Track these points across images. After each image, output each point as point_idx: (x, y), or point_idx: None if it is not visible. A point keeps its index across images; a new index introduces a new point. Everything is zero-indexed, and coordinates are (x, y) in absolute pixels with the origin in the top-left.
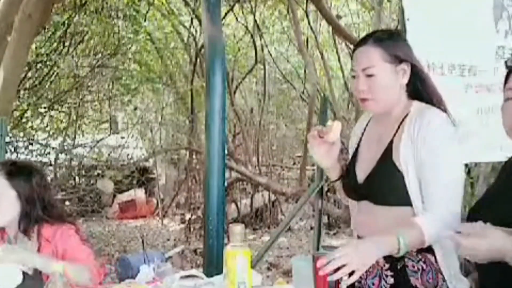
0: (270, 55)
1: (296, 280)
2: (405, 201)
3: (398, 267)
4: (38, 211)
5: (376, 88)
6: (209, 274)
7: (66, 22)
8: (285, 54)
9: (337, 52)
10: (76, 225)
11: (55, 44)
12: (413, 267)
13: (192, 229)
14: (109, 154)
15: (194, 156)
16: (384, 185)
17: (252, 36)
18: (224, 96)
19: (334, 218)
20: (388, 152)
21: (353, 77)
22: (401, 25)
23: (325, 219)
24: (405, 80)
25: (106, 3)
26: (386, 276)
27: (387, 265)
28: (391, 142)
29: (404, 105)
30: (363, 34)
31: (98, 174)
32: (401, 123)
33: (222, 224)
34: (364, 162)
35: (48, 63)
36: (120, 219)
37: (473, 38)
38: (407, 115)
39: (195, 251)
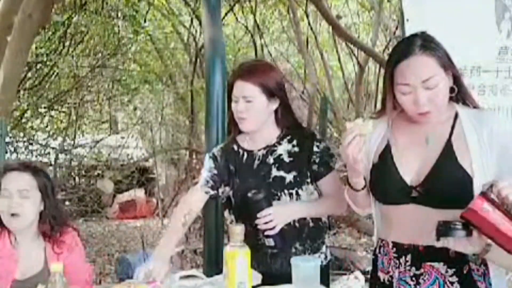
0: (270, 55)
1: (295, 280)
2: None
3: (464, 271)
4: (56, 214)
5: (439, 99)
6: (208, 274)
7: (66, 22)
8: (285, 54)
9: (337, 52)
10: (77, 229)
11: (55, 44)
12: (478, 270)
13: (192, 229)
14: (109, 154)
15: (194, 156)
16: (448, 187)
17: (252, 36)
18: (224, 96)
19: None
20: (449, 153)
21: (403, 93)
22: (400, 25)
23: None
24: (451, 83)
25: (106, 3)
26: (452, 283)
27: (450, 271)
28: (449, 143)
29: (447, 107)
30: (363, 35)
31: (98, 174)
32: (453, 124)
33: (221, 224)
34: (412, 164)
35: (48, 63)
36: (120, 219)
37: (475, 38)
38: (456, 116)
39: (195, 251)
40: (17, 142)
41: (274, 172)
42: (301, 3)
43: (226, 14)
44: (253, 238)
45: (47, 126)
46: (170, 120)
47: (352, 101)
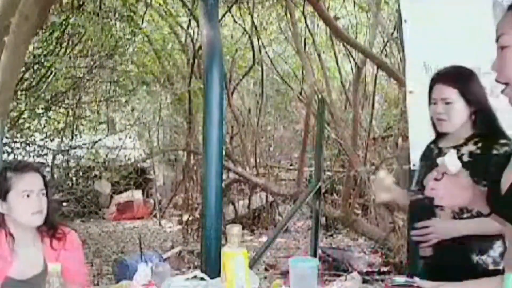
0: (268, 56)
1: (293, 281)
2: None
3: None
4: (53, 211)
5: None
6: (206, 275)
7: (63, 23)
8: (283, 55)
9: (334, 53)
10: (74, 229)
11: (52, 45)
12: None
13: (189, 230)
14: (106, 155)
15: (191, 157)
16: None
17: (249, 37)
18: (221, 97)
19: (331, 219)
20: None
21: None
22: (398, 27)
23: (322, 220)
24: None
25: (104, 4)
26: None
27: None
28: None
29: None
30: (360, 36)
31: (96, 175)
32: None
33: (219, 225)
34: None
35: (45, 64)
36: (118, 220)
37: (474, 39)
38: None
39: (192, 252)
40: (14, 143)
41: None
42: (298, 4)
43: (223, 15)
44: None
45: (44, 127)
46: (168, 121)
47: (350, 102)
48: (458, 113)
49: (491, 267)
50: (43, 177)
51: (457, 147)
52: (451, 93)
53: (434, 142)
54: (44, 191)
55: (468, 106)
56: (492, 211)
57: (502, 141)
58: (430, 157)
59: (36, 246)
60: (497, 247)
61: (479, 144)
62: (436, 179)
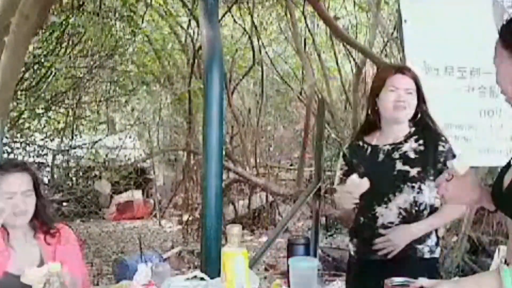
0: (268, 56)
1: (293, 281)
2: None
3: None
4: (46, 208)
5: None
6: (206, 275)
7: (63, 23)
8: (283, 55)
9: (334, 53)
10: (69, 226)
11: (52, 45)
12: None
13: (189, 230)
14: (106, 155)
15: (191, 157)
16: None
17: (249, 37)
18: (221, 97)
19: (331, 219)
20: None
21: None
22: (398, 27)
23: (322, 220)
24: None
25: (104, 4)
26: None
27: None
28: None
29: None
30: (360, 36)
31: (96, 175)
32: None
33: (219, 225)
34: None
35: (45, 64)
36: (118, 220)
37: (475, 40)
38: None
39: (192, 252)
40: (14, 143)
41: (399, 166)
42: (298, 4)
43: (223, 15)
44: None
45: (44, 127)
46: (168, 121)
47: (350, 102)
48: (414, 105)
49: (427, 255)
50: (33, 176)
51: (397, 145)
52: (413, 85)
53: (360, 139)
54: (31, 192)
55: (418, 102)
56: (496, 207)
57: (443, 142)
58: (359, 154)
59: (30, 242)
60: (433, 237)
61: (420, 141)
62: (447, 180)
